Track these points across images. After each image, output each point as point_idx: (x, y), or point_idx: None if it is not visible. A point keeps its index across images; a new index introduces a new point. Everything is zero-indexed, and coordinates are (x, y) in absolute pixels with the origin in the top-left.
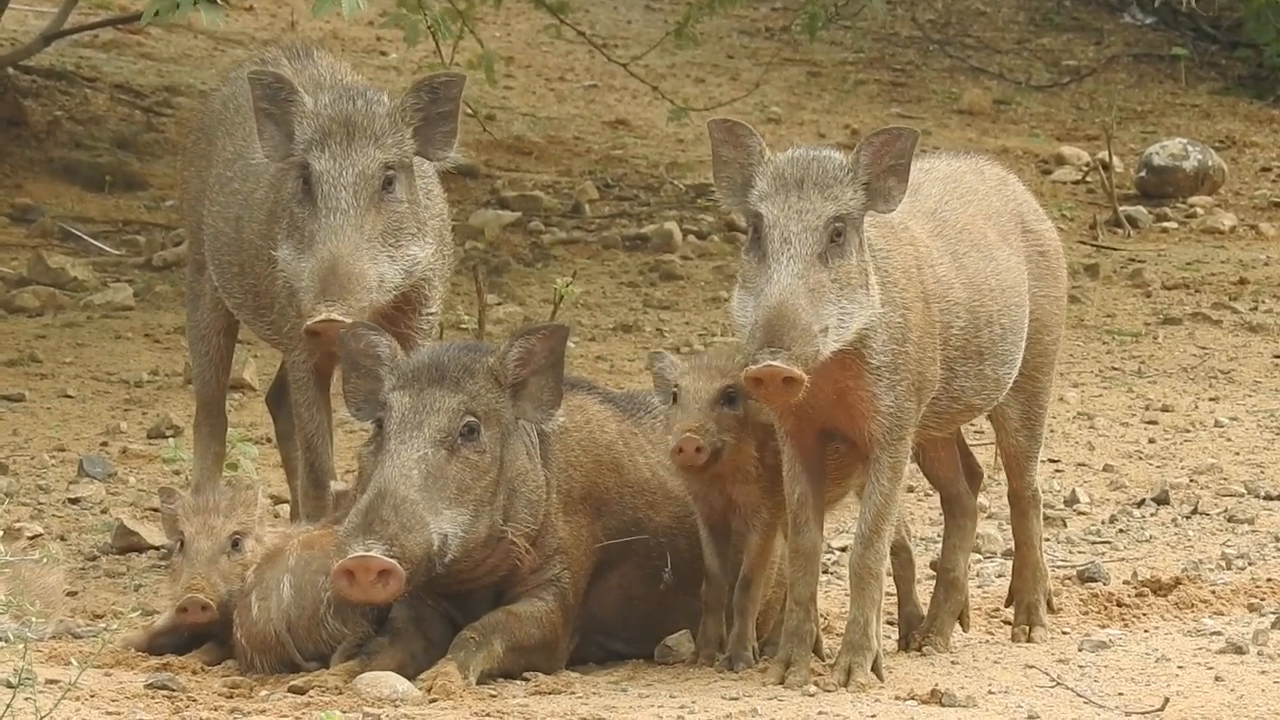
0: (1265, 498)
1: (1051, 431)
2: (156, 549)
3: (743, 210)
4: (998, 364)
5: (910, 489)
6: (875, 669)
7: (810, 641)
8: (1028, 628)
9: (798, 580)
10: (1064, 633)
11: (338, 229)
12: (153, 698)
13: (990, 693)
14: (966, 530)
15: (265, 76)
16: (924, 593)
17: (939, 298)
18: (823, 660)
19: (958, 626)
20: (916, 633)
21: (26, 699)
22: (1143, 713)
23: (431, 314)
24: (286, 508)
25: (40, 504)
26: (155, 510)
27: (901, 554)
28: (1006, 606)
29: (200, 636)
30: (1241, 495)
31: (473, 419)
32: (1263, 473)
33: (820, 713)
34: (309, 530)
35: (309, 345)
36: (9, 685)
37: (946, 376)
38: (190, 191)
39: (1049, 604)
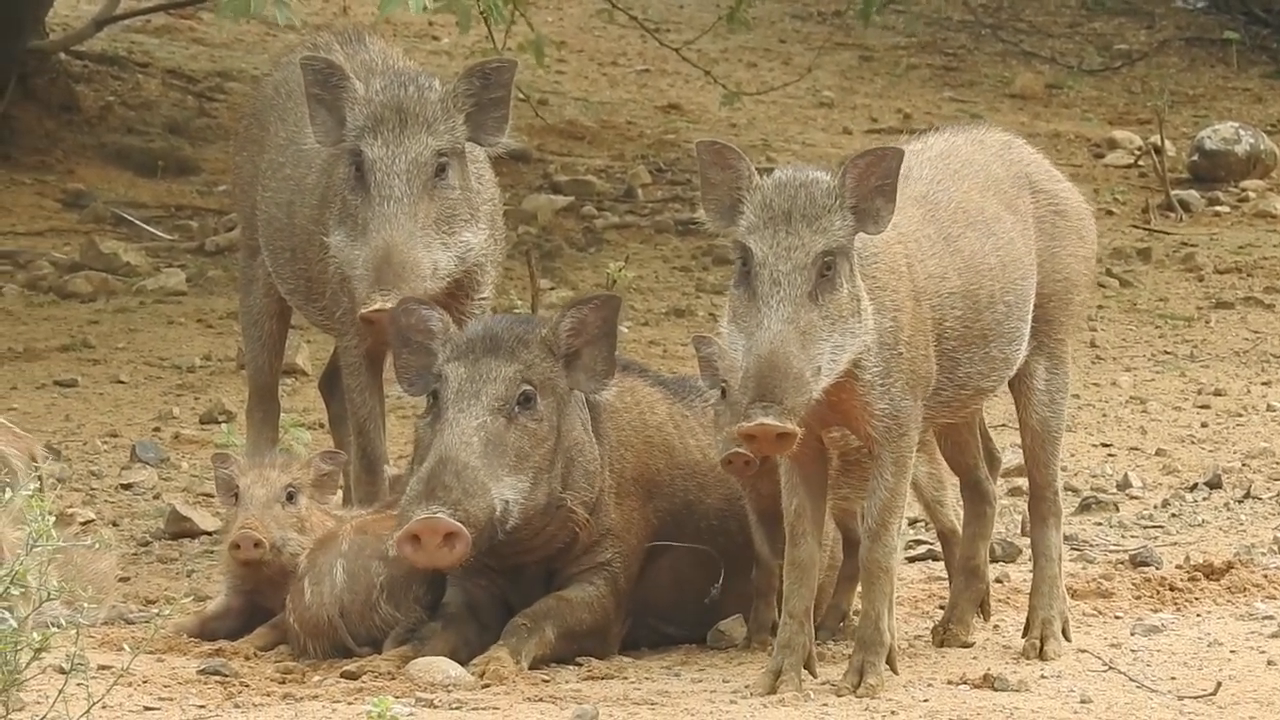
0: None
1: (1104, 416)
2: (209, 534)
3: (731, 238)
4: (1005, 343)
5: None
6: (890, 663)
7: (803, 654)
8: (1039, 643)
9: (792, 593)
10: (1116, 617)
11: (392, 217)
12: (205, 683)
13: (1043, 677)
14: (987, 518)
15: (317, 62)
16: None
17: (930, 293)
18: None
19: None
20: (938, 624)
21: (79, 684)
22: (1195, 696)
23: (484, 299)
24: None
25: (93, 489)
26: (208, 495)
27: (953, 541)
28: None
29: (252, 622)
30: None
31: (529, 388)
32: None
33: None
34: (363, 515)
35: (362, 331)
36: (61, 671)
37: (949, 366)
38: (243, 176)
39: (1065, 628)
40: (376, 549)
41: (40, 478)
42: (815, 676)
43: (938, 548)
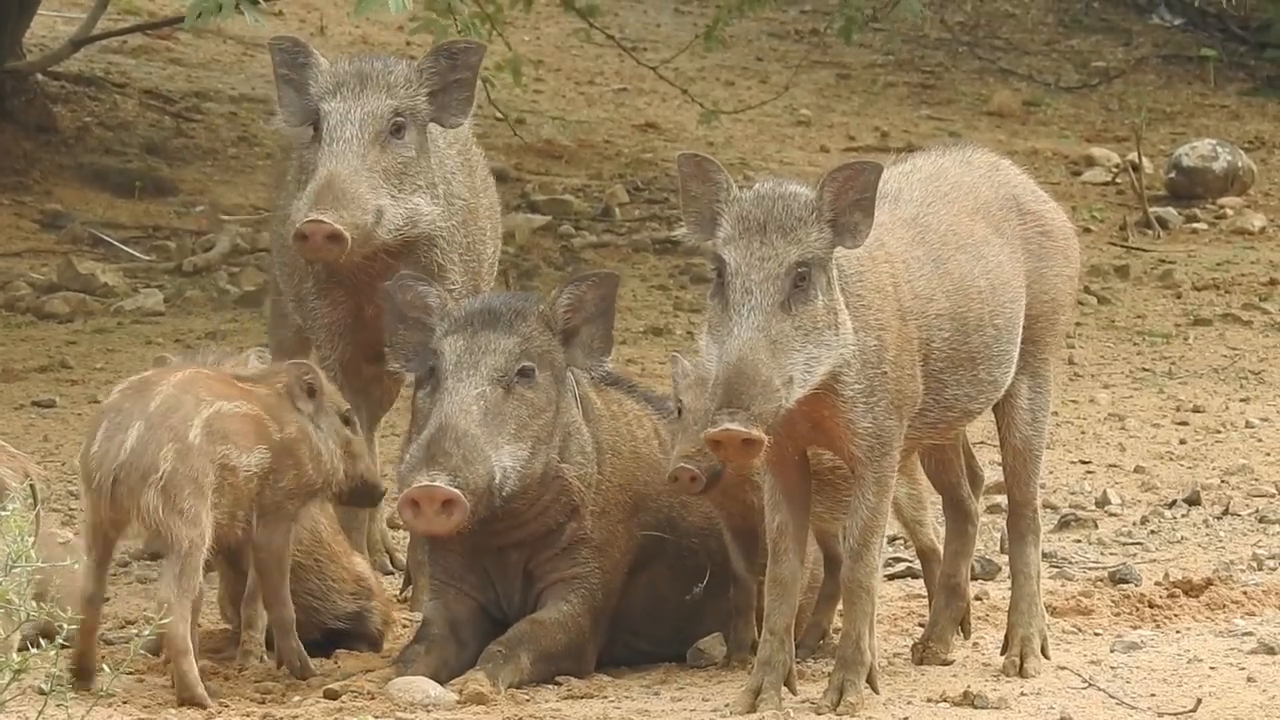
0: None
1: (1082, 433)
2: None
3: (708, 250)
4: (993, 366)
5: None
6: (870, 682)
7: (783, 672)
8: (1019, 660)
9: (773, 610)
10: (1096, 634)
11: (339, 155)
12: (185, 703)
13: (1022, 694)
14: (969, 536)
15: (284, 41)
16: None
17: (917, 314)
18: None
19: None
20: (918, 641)
21: (59, 705)
22: (1175, 714)
23: (451, 288)
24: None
25: (71, 510)
26: None
27: (932, 559)
28: (1002, 652)
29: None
30: (1272, 496)
31: (527, 361)
32: None
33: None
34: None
35: (329, 338)
36: (41, 692)
37: (936, 388)
38: (276, 211)
39: (1044, 645)
40: (182, 424)
41: (35, 495)
42: (795, 694)
43: (917, 565)
